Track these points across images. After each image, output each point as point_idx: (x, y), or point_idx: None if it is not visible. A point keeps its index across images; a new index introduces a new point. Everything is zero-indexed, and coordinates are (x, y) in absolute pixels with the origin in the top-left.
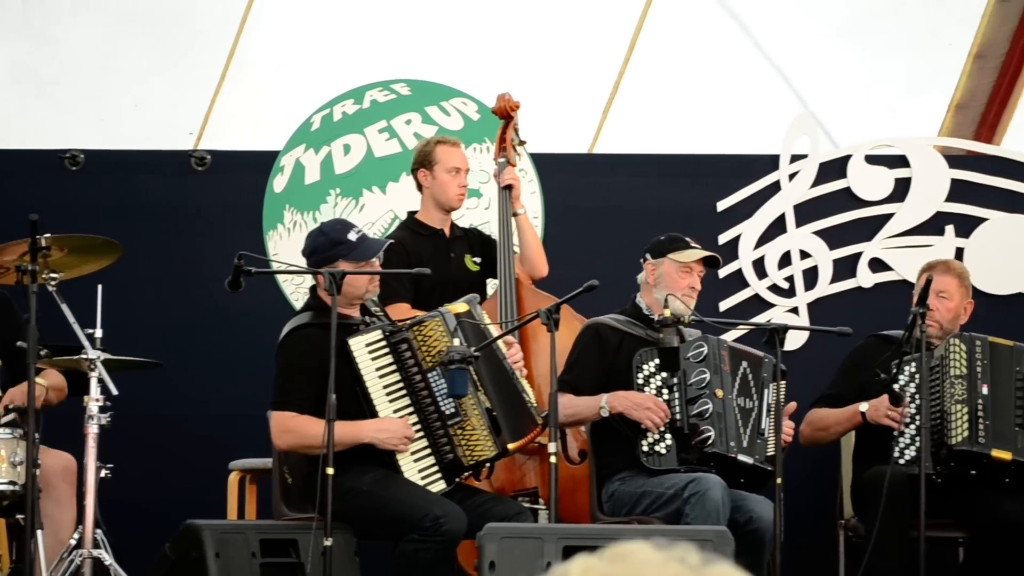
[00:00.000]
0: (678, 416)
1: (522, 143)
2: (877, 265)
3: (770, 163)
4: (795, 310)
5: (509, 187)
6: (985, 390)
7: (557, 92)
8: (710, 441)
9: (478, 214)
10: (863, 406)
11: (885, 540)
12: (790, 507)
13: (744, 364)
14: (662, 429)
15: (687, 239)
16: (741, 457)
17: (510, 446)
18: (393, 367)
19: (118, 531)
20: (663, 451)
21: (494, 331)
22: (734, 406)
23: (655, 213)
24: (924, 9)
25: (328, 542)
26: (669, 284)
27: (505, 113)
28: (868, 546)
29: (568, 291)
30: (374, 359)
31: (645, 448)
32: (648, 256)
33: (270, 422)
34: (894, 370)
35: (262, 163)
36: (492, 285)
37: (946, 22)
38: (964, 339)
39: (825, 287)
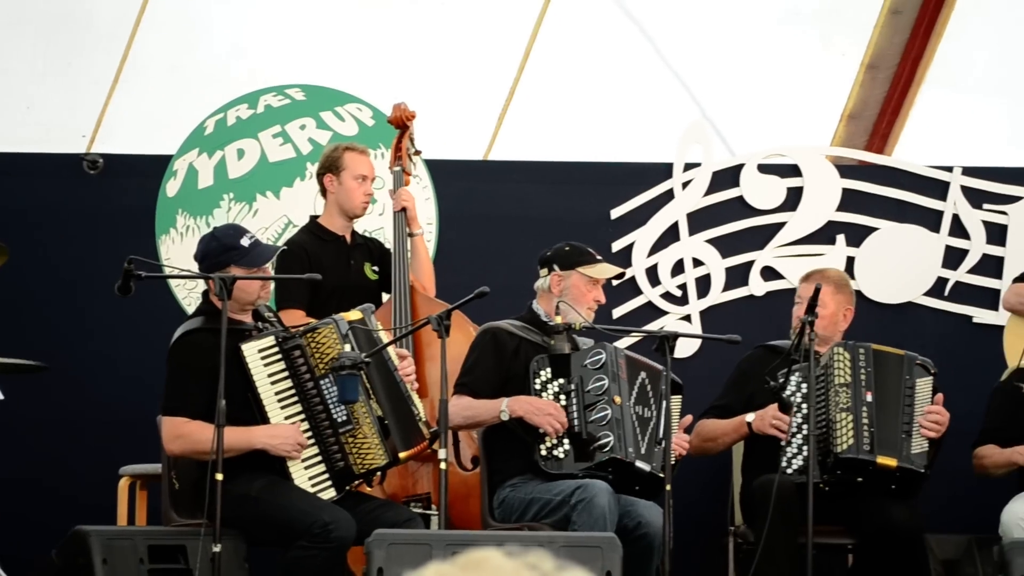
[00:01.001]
0: (576, 422)
1: (417, 152)
2: (769, 273)
3: (664, 171)
4: (688, 318)
5: (403, 209)
6: (869, 397)
7: (453, 98)
8: (609, 447)
9: (372, 220)
10: (749, 417)
11: (773, 547)
12: (683, 514)
13: (643, 374)
14: (560, 434)
15: (591, 250)
16: (639, 463)
17: (401, 455)
18: (285, 373)
19: (5, 537)
20: (561, 455)
21: (387, 340)
22: (631, 413)
23: (549, 220)
24: (817, 19)
25: (217, 548)
26: (576, 297)
27: (401, 123)
28: (757, 553)
29: (463, 298)
30: (266, 365)
31: (543, 452)
32: (556, 267)
33: (161, 428)
34: (781, 379)
35: (155, 167)
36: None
37: (839, 33)
38: (848, 347)
39: (717, 295)
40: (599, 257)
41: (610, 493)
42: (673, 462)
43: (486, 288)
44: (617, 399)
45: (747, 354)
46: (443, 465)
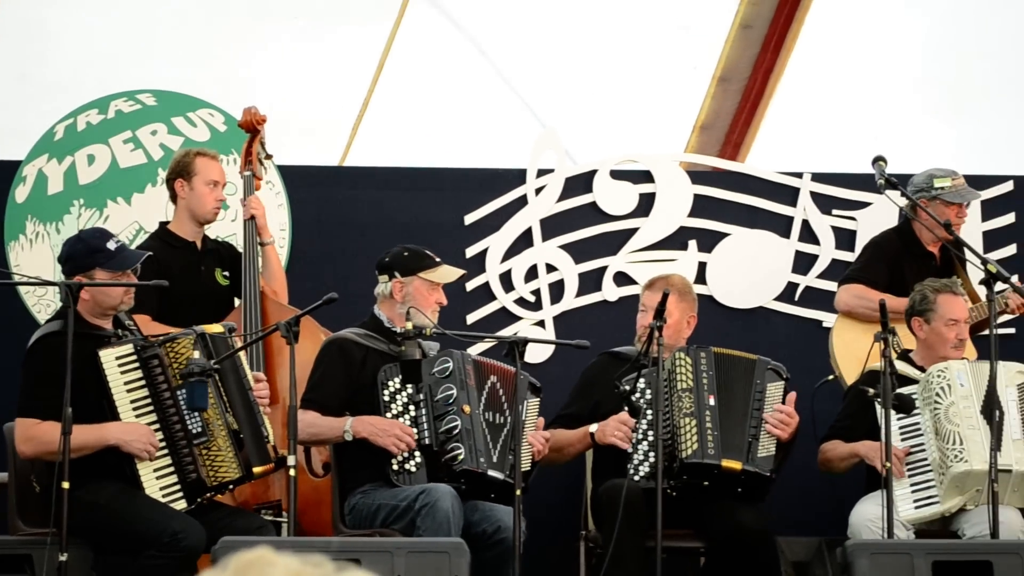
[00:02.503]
0: (427, 433)
1: (268, 157)
2: (622, 279)
3: (517, 177)
4: (542, 323)
5: (252, 218)
6: (712, 401)
7: (308, 105)
8: (460, 458)
9: (224, 226)
10: (592, 427)
11: (622, 552)
12: (538, 518)
13: (492, 378)
14: (411, 449)
15: (429, 253)
16: (492, 472)
17: (256, 470)
18: (142, 382)
19: None
20: (413, 469)
21: (245, 363)
22: (481, 421)
23: (404, 226)
24: (669, 34)
25: (63, 557)
26: (419, 301)
27: (251, 126)
28: (606, 558)
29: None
30: (123, 372)
31: (395, 467)
32: (397, 274)
33: (14, 429)
34: (627, 386)
35: (4, 173)
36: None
37: (691, 47)
38: (689, 352)
39: (571, 301)
40: (438, 260)
41: (454, 497)
42: (530, 465)
43: (335, 294)
44: (466, 408)
45: (592, 361)
46: (292, 472)
